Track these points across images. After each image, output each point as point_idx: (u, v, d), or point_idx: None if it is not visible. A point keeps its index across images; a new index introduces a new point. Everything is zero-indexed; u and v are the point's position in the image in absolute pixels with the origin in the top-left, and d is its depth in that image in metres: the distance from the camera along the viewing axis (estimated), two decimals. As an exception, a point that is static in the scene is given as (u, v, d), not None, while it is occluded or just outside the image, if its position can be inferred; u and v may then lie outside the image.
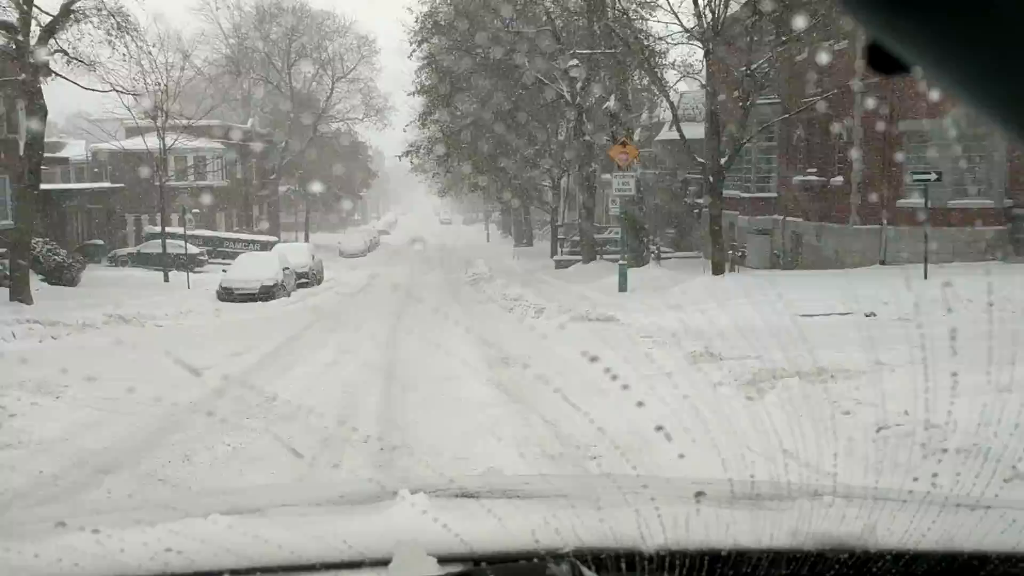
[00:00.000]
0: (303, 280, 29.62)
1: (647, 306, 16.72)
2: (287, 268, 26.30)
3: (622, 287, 21.12)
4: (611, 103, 25.49)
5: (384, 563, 1.33)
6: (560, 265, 33.08)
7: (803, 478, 2.04)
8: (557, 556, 1.29)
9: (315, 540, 1.44)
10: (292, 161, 52.77)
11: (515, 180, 36.21)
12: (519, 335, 14.41)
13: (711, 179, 21.26)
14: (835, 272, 20.52)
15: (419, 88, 29.40)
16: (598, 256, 30.99)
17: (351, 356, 12.96)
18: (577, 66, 23.78)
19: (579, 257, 32.68)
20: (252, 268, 24.96)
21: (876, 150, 21.71)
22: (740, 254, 24.70)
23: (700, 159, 21.48)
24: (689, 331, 12.55)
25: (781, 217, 26.99)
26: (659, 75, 23.06)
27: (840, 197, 23.09)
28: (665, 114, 41.11)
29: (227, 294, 24.23)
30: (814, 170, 24.52)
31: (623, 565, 1.34)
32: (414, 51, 29.21)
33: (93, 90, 21.43)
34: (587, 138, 29.86)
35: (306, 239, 62.27)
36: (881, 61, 0.61)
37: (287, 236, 61.86)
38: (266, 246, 38.38)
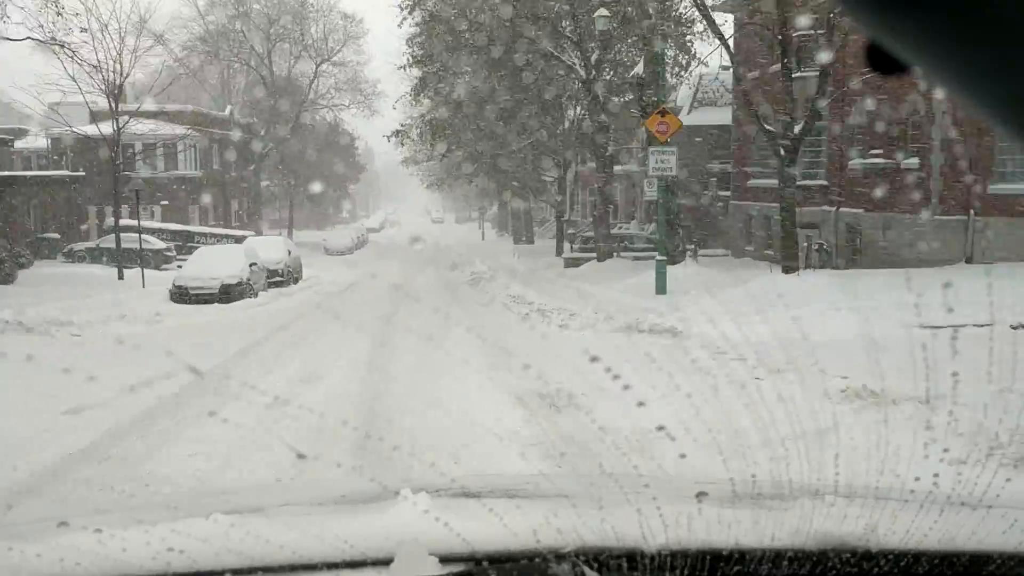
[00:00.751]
0: (277, 279, 25.72)
1: (704, 313, 12.91)
2: (255, 264, 22.34)
3: (660, 288, 17.31)
4: (639, 68, 21.65)
5: (386, 563, 1.34)
6: (570, 264, 29.26)
7: None
8: (559, 556, 1.30)
9: (317, 540, 1.42)
10: (274, 151, 48.74)
11: (518, 171, 32.39)
12: (552, 353, 10.56)
13: (782, 153, 17.36)
14: (921, 271, 16.75)
15: (412, 59, 25.46)
16: (614, 254, 27.15)
17: (314, 391, 9.12)
18: (606, 17, 19.88)
19: (591, 255, 28.88)
20: (212, 264, 20.99)
21: (963, 126, 17.96)
22: (820, 248, 20.77)
23: (768, 126, 17.59)
24: (787, 348, 8.79)
25: (833, 208, 23.18)
26: (708, 15, 19.20)
27: (914, 183, 19.31)
28: (681, 99, 37.37)
29: (181, 294, 20.30)
30: (879, 151, 20.73)
31: (625, 565, 1.33)
32: (405, 19, 25.32)
33: (8, 39, 17.52)
34: (602, 118, 26.04)
35: (289, 236, 58.58)
36: (881, 61, 0.61)
37: (271, 234, 58.02)
38: (240, 241, 34.65)
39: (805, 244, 19.74)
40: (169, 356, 9.73)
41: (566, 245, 33.54)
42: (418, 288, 25.58)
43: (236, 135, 48.96)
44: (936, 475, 1.72)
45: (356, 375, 9.91)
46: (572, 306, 15.46)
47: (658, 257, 18.27)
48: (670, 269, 20.10)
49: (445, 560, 1.34)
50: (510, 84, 27.24)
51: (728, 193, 31.46)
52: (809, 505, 1.53)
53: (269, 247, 26.55)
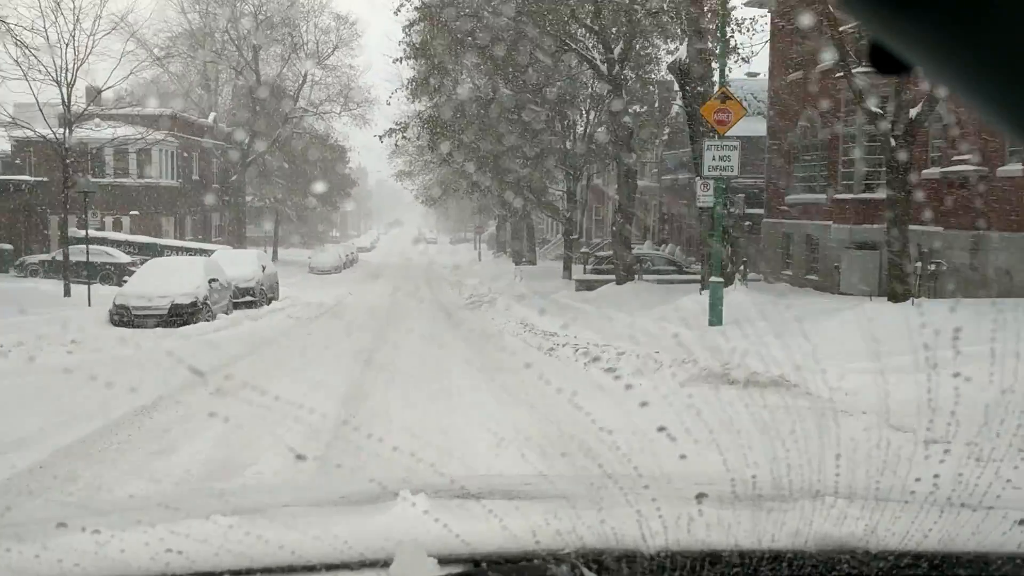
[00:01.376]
0: (247, 298, 22.16)
1: (807, 355, 9.42)
2: (215, 281, 18.70)
3: (715, 318, 13.78)
4: (682, 53, 18.26)
5: (385, 563, 1.33)
6: (583, 286, 25.75)
7: None
8: (558, 557, 1.31)
9: (316, 540, 1.42)
10: (258, 162, 45.25)
11: (524, 182, 29.01)
12: (630, 428, 7.03)
13: (892, 148, 13.88)
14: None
15: (409, 49, 21.98)
16: (636, 276, 23.64)
17: (198, 529, 5.52)
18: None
19: (607, 277, 25.40)
20: (162, 280, 17.36)
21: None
22: (935, 271, 17.17)
23: (874, 109, 14.13)
24: (960, 415, 5.23)
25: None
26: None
27: (1018, 193, 15.89)
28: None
29: (122, 316, 16.69)
30: (966, 157, 17.29)
31: (624, 566, 1.33)
32: (402, 5, 21.89)
33: None
34: (625, 120, 22.63)
35: (274, 254, 55.01)
36: (882, 61, 0.62)
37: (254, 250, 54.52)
38: (208, 255, 31.20)
39: (925, 267, 16.18)
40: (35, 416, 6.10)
41: (576, 266, 30.07)
42: (409, 313, 22.00)
43: (219, 144, 45.55)
44: (936, 475, 1.68)
45: (289, 483, 6.19)
46: (613, 341, 11.94)
47: (713, 279, 14.75)
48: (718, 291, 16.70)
49: (444, 561, 1.32)
50: (515, 81, 23.90)
51: (760, 211, 28.01)
52: (809, 506, 1.52)
53: (239, 262, 22.97)
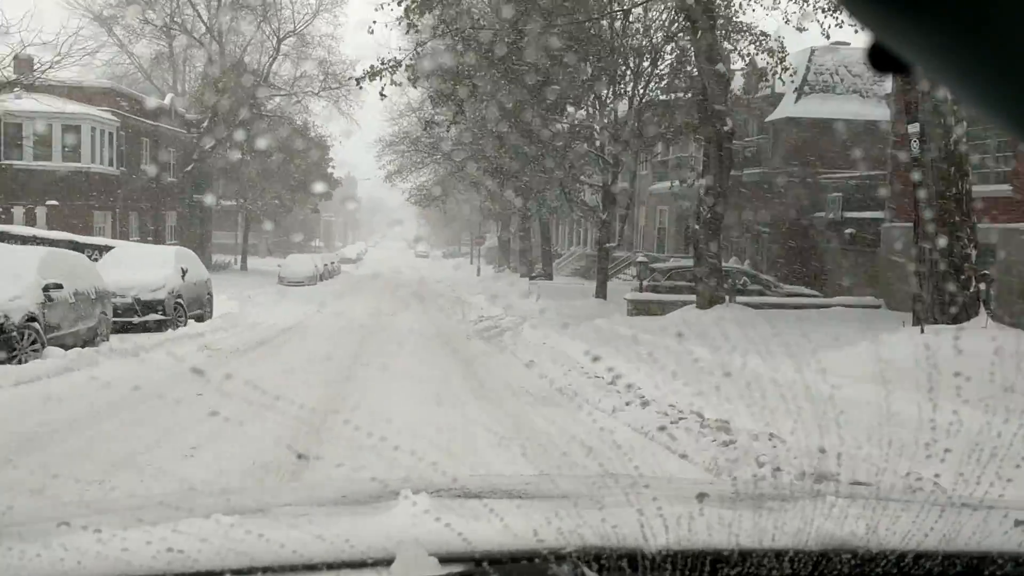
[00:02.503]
0: (152, 316, 14.73)
1: None
2: (58, 290, 10.92)
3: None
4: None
5: (387, 563, 1.32)
6: (639, 309, 18.34)
7: None
8: (559, 556, 1.30)
9: (317, 540, 1.41)
10: (222, 150, 37.75)
11: (555, 162, 21.99)
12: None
13: None
14: None
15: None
16: (726, 298, 16.22)
17: None
18: None
19: (676, 297, 18.09)
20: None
21: None
22: None
23: None
24: None
25: None
26: None
27: None
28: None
29: None
30: None
31: (625, 565, 1.33)
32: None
33: None
34: (718, 66, 15.35)
35: (242, 262, 47.42)
36: (882, 61, 0.61)
37: (222, 259, 46.93)
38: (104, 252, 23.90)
39: None
40: None
41: (618, 282, 22.65)
42: (397, 344, 14.39)
43: (175, 130, 38.05)
44: (937, 475, 1.64)
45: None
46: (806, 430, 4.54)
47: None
48: (940, 332, 9.43)
49: (445, 560, 1.32)
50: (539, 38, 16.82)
51: (881, 214, 20.57)
52: (810, 506, 1.52)
53: (141, 264, 15.50)
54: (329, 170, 49.81)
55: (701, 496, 1.53)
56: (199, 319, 17.14)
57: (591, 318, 18.58)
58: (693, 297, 16.83)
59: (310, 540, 1.41)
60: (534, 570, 1.29)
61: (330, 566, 1.35)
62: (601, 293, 24.03)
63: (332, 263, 47.99)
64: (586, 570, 1.27)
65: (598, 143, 22.99)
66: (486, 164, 25.87)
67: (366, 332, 16.71)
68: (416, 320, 20.08)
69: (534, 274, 32.23)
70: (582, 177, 24.54)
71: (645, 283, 19.71)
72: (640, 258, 21.96)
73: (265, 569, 1.33)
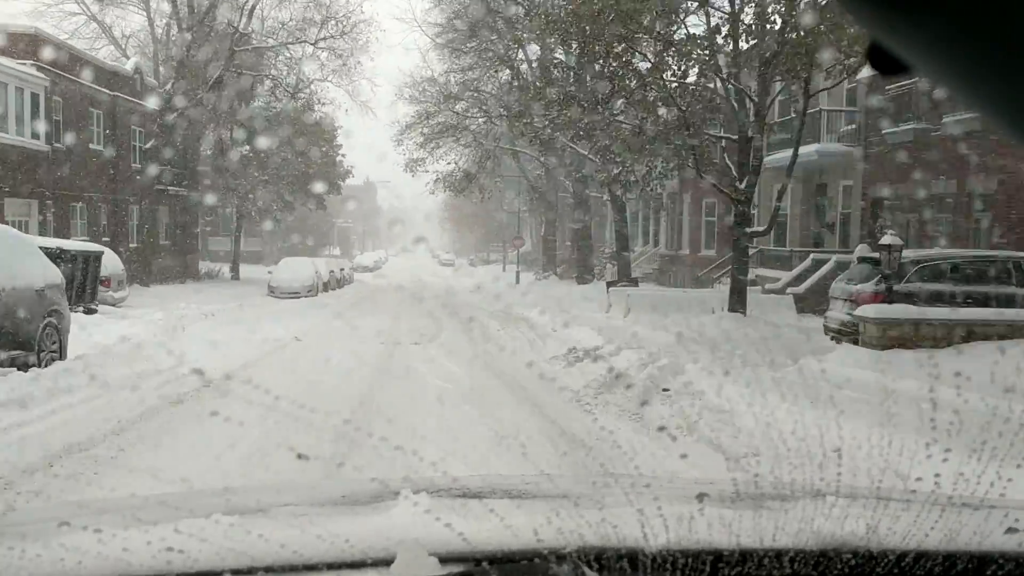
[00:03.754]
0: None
1: None
2: None
3: None
4: None
5: (386, 563, 1.30)
6: (891, 334, 9.64)
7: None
8: (559, 556, 1.29)
9: (317, 540, 1.39)
10: (196, 126, 29.43)
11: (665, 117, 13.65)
12: None
13: None
14: None
15: None
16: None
17: None
18: None
19: (951, 314, 9.41)
20: None
21: None
22: None
23: None
24: None
25: None
26: None
27: None
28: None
29: None
30: None
31: (626, 565, 1.31)
32: None
33: None
34: None
35: (234, 268, 39.19)
36: (882, 61, 0.61)
37: (212, 267, 38.71)
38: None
39: None
40: None
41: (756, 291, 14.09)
42: (429, 438, 5.80)
43: (136, 102, 29.92)
44: (937, 475, 1.64)
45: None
46: None
47: None
48: None
49: (446, 560, 1.29)
50: None
51: None
52: (810, 505, 1.51)
53: None
54: (339, 158, 41.57)
55: (701, 496, 1.51)
56: (17, 364, 8.74)
57: (768, 351, 10.23)
58: (988, 313, 8.26)
59: (310, 540, 1.39)
60: (534, 570, 1.27)
61: (330, 566, 1.33)
62: (738, 305, 15.61)
63: (342, 270, 39.85)
64: (586, 570, 1.25)
65: (725, 72, 14.78)
66: (550, 117, 17.58)
67: (364, 394, 8.22)
68: (460, 358, 11.70)
69: (612, 280, 23.71)
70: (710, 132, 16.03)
71: (885, 284, 11.01)
72: (859, 251, 13.28)
73: (265, 569, 1.31)
